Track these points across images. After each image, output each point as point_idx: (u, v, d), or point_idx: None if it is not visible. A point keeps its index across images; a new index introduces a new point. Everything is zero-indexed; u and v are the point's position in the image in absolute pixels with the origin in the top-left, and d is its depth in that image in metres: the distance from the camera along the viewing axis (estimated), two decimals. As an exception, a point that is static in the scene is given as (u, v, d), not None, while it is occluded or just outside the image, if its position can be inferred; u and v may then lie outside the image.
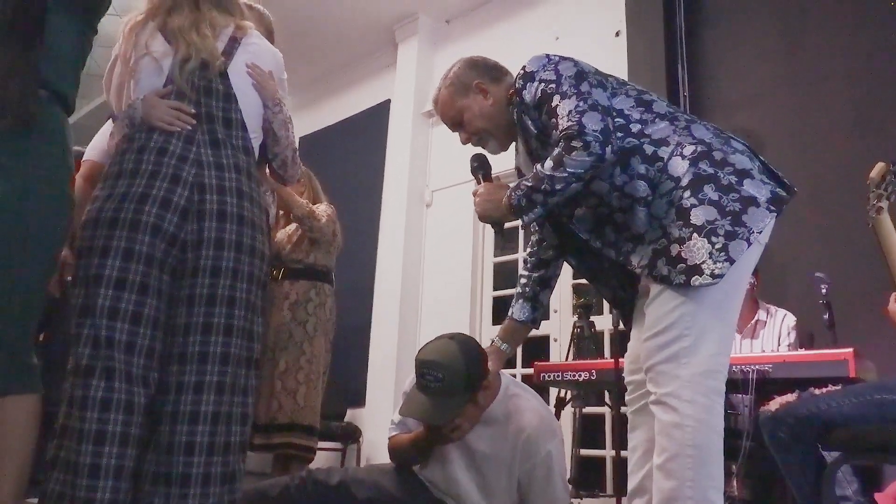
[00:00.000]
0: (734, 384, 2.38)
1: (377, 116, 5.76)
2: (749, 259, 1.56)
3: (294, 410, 3.07)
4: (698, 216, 1.53)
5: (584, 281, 4.37)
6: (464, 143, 1.92)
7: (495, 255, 4.99)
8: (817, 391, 1.96)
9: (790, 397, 2.00)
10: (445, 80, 1.91)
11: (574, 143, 1.55)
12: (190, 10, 1.84)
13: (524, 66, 1.74)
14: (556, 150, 1.59)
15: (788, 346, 2.93)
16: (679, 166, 1.59)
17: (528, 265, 2.02)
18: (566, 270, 3.68)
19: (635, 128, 1.65)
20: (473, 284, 4.91)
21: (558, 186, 1.59)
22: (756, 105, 3.76)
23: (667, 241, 1.56)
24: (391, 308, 5.05)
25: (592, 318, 3.81)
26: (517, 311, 1.99)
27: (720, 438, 1.53)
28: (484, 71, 1.89)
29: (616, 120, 1.63)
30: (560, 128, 1.60)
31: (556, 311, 4.45)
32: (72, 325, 1.69)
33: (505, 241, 1.91)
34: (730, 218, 1.52)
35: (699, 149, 1.61)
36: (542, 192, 1.61)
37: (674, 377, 1.52)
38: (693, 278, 1.50)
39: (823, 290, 2.81)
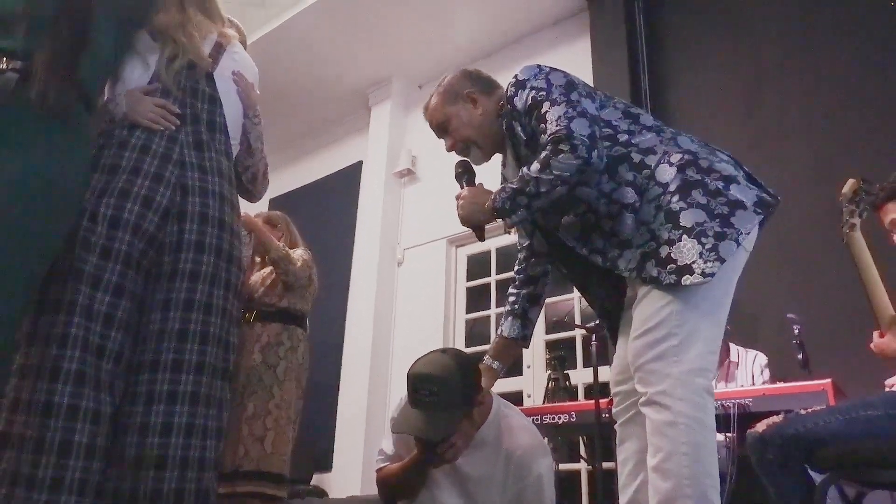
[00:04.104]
0: (715, 421, 2.34)
1: (349, 177, 5.83)
2: (737, 261, 1.57)
3: (261, 457, 2.90)
4: (687, 219, 1.54)
5: (556, 335, 4.40)
6: (448, 149, 1.93)
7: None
8: (803, 411, 1.96)
9: (776, 418, 1.99)
10: (438, 88, 1.94)
11: (562, 146, 1.57)
12: (177, 10, 1.84)
13: (516, 75, 1.78)
14: (544, 153, 1.60)
15: (763, 383, 2.93)
16: (667, 173, 1.62)
17: (517, 282, 2.00)
18: (538, 330, 3.65)
19: (623, 137, 1.69)
20: (445, 342, 4.84)
21: (543, 189, 1.59)
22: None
23: (656, 244, 1.57)
24: (361, 367, 4.95)
25: (567, 372, 3.79)
26: (507, 328, 1.97)
27: (714, 437, 1.50)
28: (476, 81, 1.92)
29: (604, 130, 1.66)
30: (548, 132, 1.61)
31: (528, 367, 4.41)
32: (33, 322, 1.55)
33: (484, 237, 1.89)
34: (718, 220, 1.54)
35: (686, 157, 1.64)
36: (526, 194, 1.61)
37: (665, 375, 1.49)
38: (684, 278, 1.50)
39: (796, 331, 2.84)
